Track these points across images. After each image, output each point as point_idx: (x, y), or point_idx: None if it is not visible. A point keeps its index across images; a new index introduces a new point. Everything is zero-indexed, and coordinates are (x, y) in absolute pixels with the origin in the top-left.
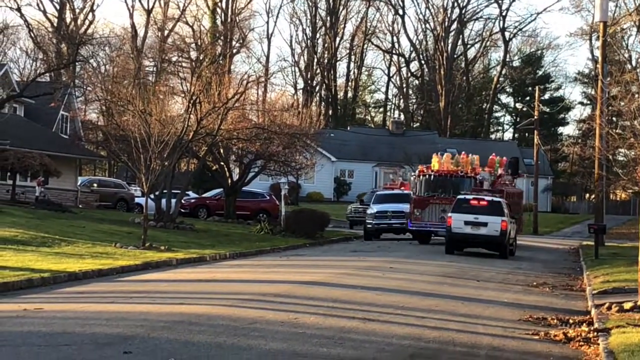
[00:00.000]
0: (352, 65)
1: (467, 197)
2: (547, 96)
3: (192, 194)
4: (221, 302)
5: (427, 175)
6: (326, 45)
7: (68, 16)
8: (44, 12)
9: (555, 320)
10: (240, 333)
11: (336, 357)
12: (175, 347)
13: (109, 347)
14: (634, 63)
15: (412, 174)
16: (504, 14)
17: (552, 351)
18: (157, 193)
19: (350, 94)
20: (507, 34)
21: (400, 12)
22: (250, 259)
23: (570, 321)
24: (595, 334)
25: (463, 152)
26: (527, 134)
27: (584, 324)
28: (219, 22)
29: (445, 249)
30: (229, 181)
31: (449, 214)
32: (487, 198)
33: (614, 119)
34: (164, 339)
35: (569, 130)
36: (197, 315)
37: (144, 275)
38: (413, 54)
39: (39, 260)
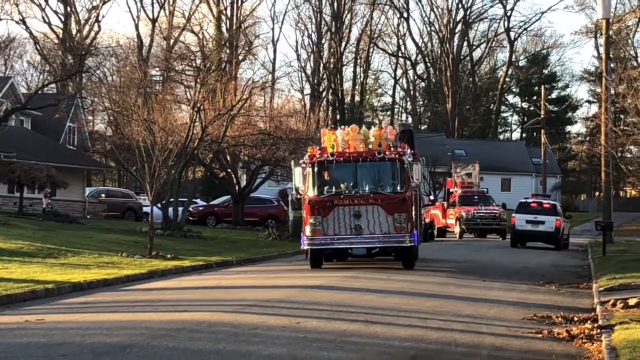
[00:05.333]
0: (358, 69)
1: (528, 200)
2: (554, 95)
3: (200, 202)
4: (224, 308)
5: (324, 162)
6: (332, 50)
7: (73, 28)
8: (49, 24)
9: (559, 319)
10: (240, 339)
11: None
12: (174, 354)
13: (106, 356)
14: (639, 60)
15: (302, 161)
16: (508, 14)
17: (554, 349)
18: (163, 202)
19: (357, 98)
20: (512, 34)
21: (405, 15)
22: (257, 265)
23: (575, 319)
24: (599, 330)
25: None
26: (534, 134)
27: (588, 321)
28: (224, 29)
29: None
30: (237, 188)
31: (513, 215)
32: (544, 202)
33: (621, 116)
34: (164, 346)
35: (576, 128)
36: (199, 322)
37: (149, 284)
38: (419, 57)
39: (44, 272)
